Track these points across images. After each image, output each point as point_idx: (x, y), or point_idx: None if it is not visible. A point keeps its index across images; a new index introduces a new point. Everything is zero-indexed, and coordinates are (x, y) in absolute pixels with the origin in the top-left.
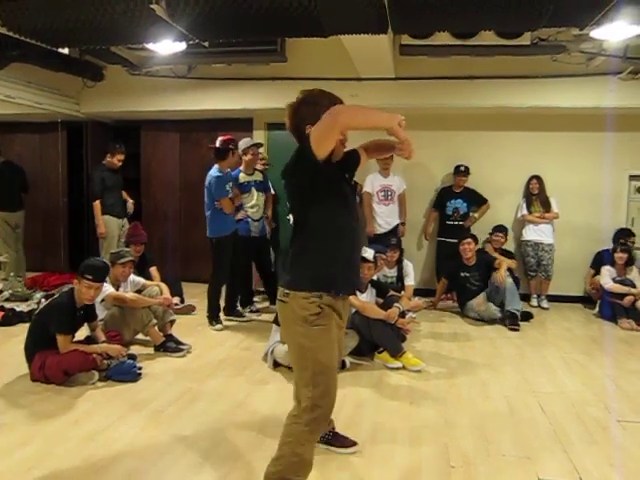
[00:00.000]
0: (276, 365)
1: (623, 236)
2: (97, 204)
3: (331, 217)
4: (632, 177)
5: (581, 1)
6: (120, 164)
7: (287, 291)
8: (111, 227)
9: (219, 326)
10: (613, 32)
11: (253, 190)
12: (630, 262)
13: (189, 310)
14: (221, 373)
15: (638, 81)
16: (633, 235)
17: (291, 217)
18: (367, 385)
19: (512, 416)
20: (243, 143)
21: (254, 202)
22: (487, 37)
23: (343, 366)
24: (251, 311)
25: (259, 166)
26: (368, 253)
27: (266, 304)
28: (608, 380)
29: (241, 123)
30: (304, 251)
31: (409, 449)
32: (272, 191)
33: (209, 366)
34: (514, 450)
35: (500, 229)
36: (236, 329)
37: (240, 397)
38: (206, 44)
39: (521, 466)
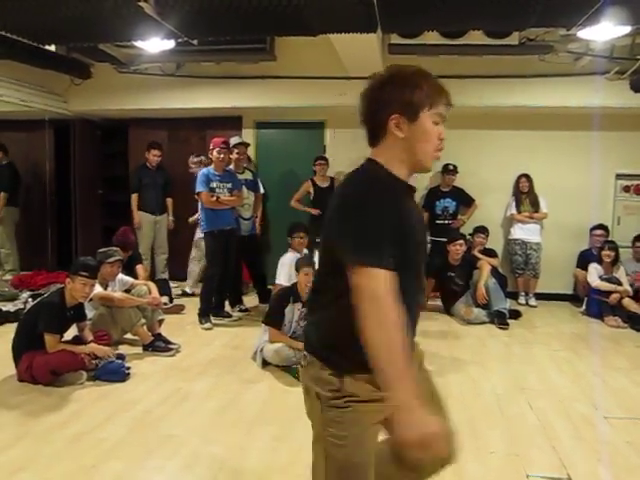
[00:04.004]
0: (265, 364)
1: (598, 229)
2: (133, 197)
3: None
4: (618, 176)
5: (568, 2)
6: (157, 159)
7: None
8: (143, 223)
9: (208, 325)
10: (599, 33)
11: (244, 188)
12: (617, 260)
13: (178, 310)
14: (210, 372)
15: (624, 81)
16: (607, 231)
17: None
18: None
19: (501, 413)
20: (231, 142)
21: (244, 201)
22: (475, 37)
23: None
24: (240, 310)
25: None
26: None
27: (255, 303)
28: (595, 377)
29: (230, 121)
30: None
31: None
32: (262, 191)
33: (198, 365)
34: (503, 447)
35: (481, 230)
36: (225, 328)
37: (229, 396)
38: (195, 42)
39: (510, 463)
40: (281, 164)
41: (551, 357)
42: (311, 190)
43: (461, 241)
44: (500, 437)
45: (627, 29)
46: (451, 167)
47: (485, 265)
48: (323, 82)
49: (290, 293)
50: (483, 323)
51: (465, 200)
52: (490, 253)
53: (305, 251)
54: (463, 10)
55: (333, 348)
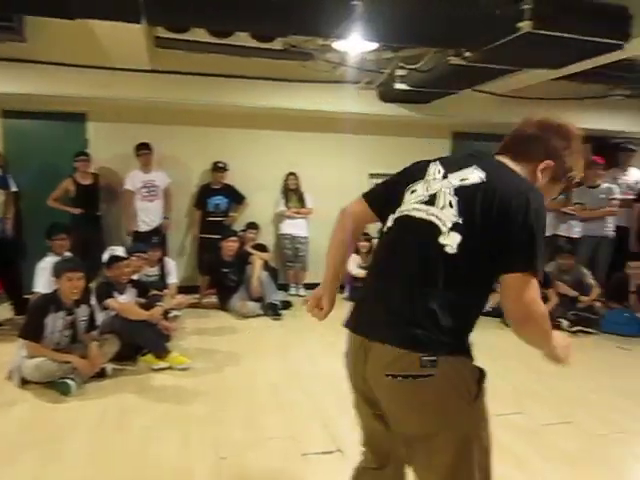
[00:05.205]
0: (24, 382)
1: None
2: None
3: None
4: (371, 175)
5: (323, 15)
6: None
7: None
8: None
9: None
10: (350, 45)
11: None
12: (371, 250)
13: None
14: None
15: (373, 91)
16: None
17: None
18: (132, 390)
19: (278, 401)
20: None
21: None
22: (243, 38)
23: (104, 374)
24: None
25: None
26: (119, 251)
27: (10, 315)
28: None
29: None
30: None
31: (180, 449)
32: (13, 188)
33: None
34: (280, 432)
35: (252, 226)
36: None
37: None
38: None
39: (287, 446)
40: (36, 159)
41: (320, 342)
42: (72, 188)
43: (234, 238)
44: (277, 423)
45: (374, 45)
46: (221, 165)
47: (257, 260)
48: (84, 71)
49: (51, 301)
50: (258, 316)
51: (236, 197)
52: (262, 248)
53: (67, 254)
54: (227, 10)
55: (461, 334)
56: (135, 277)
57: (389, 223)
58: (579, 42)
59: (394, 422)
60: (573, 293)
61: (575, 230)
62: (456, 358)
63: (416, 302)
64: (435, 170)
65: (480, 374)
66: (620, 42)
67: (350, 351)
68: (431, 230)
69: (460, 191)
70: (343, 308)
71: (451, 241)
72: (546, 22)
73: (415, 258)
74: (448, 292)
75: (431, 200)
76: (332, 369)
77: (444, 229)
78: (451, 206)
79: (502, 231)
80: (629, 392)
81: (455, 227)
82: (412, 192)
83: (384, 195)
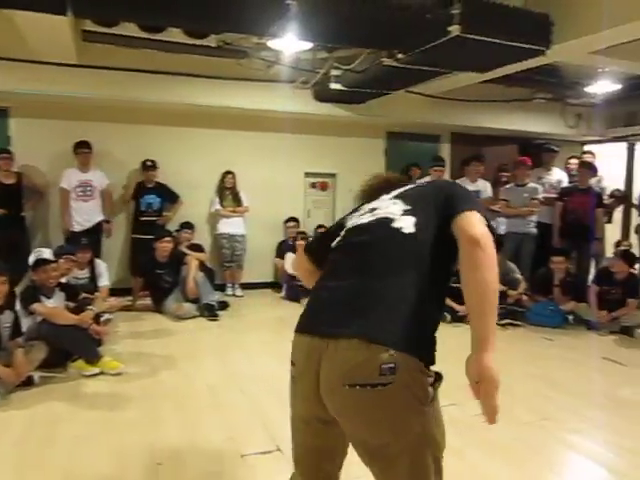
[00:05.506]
0: None
1: (290, 221)
2: None
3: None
4: (307, 174)
5: (257, 13)
6: None
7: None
8: None
9: None
10: (285, 44)
11: None
12: None
13: None
14: None
15: (308, 90)
16: (298, 222)
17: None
18: (62, 399)
19: (216, 402)
20: None
21: None
22: (176, 34)
23: (31, 382)
24: None
25: None
26: (46, 253)
27: None
28: None
29: None
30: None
31: (114, 457)
32: None
33: None
34: (219, 434)
35: (187, 226)
36: None
37: None
38: None
39: (226, 447)
40: None
41: (258, 342)
42: None
43: (168, 238)
44: (216, 425)
45: (308, 44)
46: (149, 163)
47: (193, 260)
48: (5, 64)
49: None
50: (194, 317)
51: (170, 196)
52: (197, 248)
53: None
54: (158, 5)
55: (424, 338)
56: (64, 280)
57: (337, 239)
58: (505, 47)
59: (348, 432)
60: (502, 287)
61: (501, 227)
62: (416, 363)
63: (385, 294)
64: (368, 204)
65: (436, 377)
66: (542, 48)
67: (299, 359)
68: (383, 222)
69: (400, 195)
70: (280, 307)
71: (406, 223)
72: (474, 26)
73: (376, 251)
74: (415, 278)
75: (373, 210)
76: (270, 369)
77: (396, 217)
78: (395, 204)
79: (447, 203)
80: (552, 380)
81: (406, 212)
82: (351, 219)
83: (322, 242)
